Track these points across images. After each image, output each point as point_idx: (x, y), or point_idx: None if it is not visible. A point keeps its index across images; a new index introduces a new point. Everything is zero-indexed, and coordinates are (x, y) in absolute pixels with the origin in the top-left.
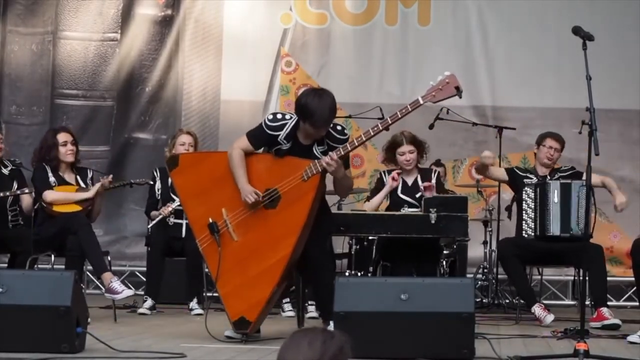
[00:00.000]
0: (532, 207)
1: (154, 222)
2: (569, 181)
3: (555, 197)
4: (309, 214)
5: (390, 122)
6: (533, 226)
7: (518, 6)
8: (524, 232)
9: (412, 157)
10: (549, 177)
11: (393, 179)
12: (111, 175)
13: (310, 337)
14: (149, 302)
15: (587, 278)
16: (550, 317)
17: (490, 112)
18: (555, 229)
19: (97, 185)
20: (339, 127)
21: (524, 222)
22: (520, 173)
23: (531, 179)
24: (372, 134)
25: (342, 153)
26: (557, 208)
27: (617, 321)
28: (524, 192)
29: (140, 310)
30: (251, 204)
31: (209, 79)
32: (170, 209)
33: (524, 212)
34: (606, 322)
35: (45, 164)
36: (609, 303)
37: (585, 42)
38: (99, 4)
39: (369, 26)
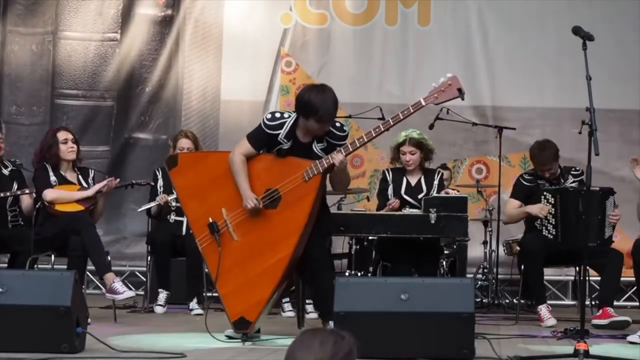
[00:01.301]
0: (552, 212)
1: (146, 206)
2: (596, 189)
3: (580, 206)
4: (309, 214)
5: (392, 123)
6: (554, 232)
7: (518, 6)
8: (544, 232)
9: (411, 158)
10: (562, 180)
11: (391, 205)
12: (118, 179)
13: (321, 338)
14: (164, 295)
15: (586, 277)
16: (551, 321)
17: (490, 112)
18: (581, 239)
19: (99, 185)
20: (337, 124)
21: (543, 226)
22: (530, 184)
23: (543, 184)
24: (373, 134)
25: (344, 153)
26: (582, 218)
27: (626, 317)
28: (543, 197)
29: (156, 309)
30: (251, 210)
31: (209, 79)
32: (167, 198)
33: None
34: (614, 319)
35: (46, 163)
36: None
37: (585, 42)
38: (99, 4)
39: (369, 26)
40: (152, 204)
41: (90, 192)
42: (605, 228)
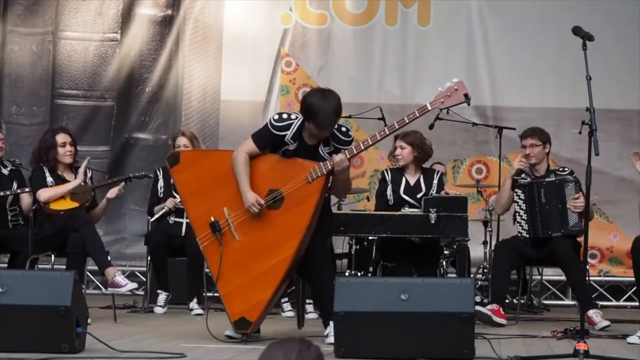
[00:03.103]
0: (524, 208)
1: (157, 215)
2: (553, 179)
3: (542, 197)
4: (312, 216)
5: (397, 127)
6: (527, 227)
7: (518, 6)
8: (518, 233)
9: (401, 153)
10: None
11: None
12: (88, 158)
13: (286, 348)
14: (164, 296)
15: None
16: (502, 321)
17: (490, 112)
18: (545, 230)
19: (81, 170)
20: (343, 129)
21: (517, 223)
22: (516, 177)
23: (525, 179)
24: (378, 138)
25: (349, 156)
26: (545, 208)
27: (606, 323)
28: (514, 193)
29: (156, 310)
30: (253, 213)
31: (209, 79)
32: (175, 202)
33: (516, 213)
34: (596, 327)
35: (43, 164)
36: (609, 303)
37: (585, 42)
38: (99, 4)
39: (369, 26)
40: (163, 211)
41: (77, 181)
42: (568, 216)
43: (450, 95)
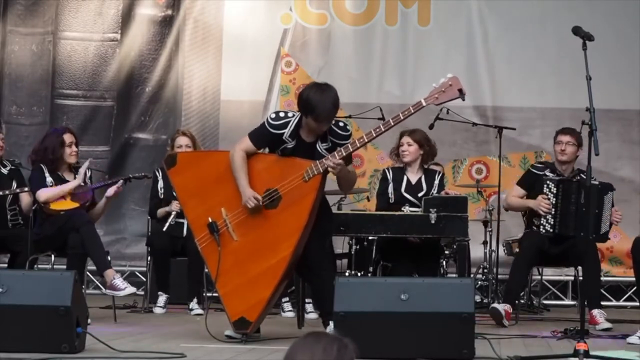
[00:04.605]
0: (554, 202)
1: (168, 222)
2: (596, 182)
3: (581, 198)
4: (309, 214)
5: (392, 123)
6: (552, 222)
7: (518, 6)
8: (541, 227)
9: (407, 149)
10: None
11: None
12: (90, 159)
13: (325, 343)
14: (164, 298)
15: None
16: (506, 322)
17: (490, 112)
18: (577, 231)
19: (82, 170)
20: (341, 124)
21: (542, 217)
22: (538, 172)
23: (552, 175)
24: (374, 135)
25: (344, 154)
26: (582, 210)
27: (608, 325)
28: (545, 186)
29: (156, 310)
30: (251, 209)
31: (209, 79)
32: (179, 206)
33: (542, 213)
34: (598, 326)
35: (43, 164)
36: (609, 303)
37: (585, 42)
38: (99, 4)
39: (369, 26)
40: (172, 217)
41: (77, 181)
42: (602, 223)
43: (444, 91)
